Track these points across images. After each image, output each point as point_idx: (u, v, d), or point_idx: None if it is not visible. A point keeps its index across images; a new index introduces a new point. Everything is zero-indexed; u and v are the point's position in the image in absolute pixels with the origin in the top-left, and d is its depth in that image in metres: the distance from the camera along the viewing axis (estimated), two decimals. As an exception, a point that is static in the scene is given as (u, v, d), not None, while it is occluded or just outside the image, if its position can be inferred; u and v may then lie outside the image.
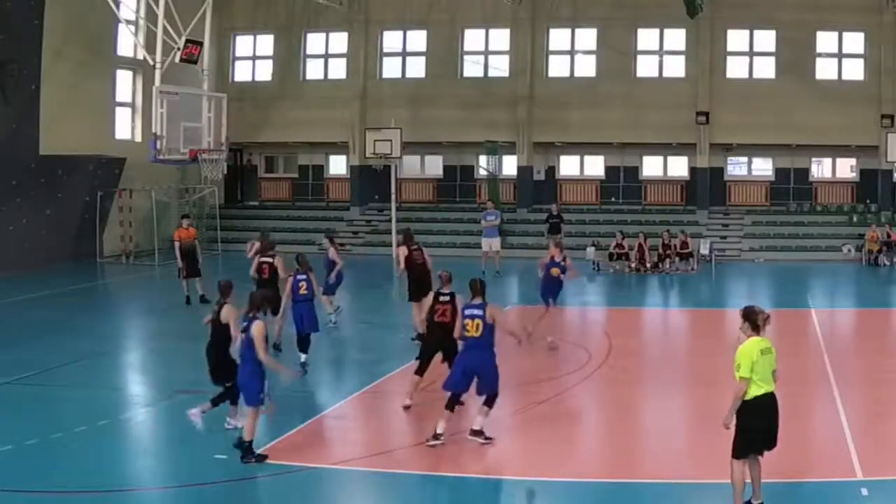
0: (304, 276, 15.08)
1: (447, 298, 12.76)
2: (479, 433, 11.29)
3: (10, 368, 14.95)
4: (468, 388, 11.45)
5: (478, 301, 11.42)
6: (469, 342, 11.37)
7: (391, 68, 35.20)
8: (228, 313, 11.56)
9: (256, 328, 10.67)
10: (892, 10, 30.70)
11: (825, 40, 32.07)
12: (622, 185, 34.71)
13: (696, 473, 10.55)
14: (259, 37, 36.19)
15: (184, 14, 22.82)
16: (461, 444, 11.59)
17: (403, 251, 17.73)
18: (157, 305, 22.54)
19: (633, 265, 28.16)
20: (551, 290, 17.00)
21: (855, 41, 31.94)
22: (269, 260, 16.43)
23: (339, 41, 35.23)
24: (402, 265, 17.70)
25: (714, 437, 11.82)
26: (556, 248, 17.18)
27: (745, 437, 8.93)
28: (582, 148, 34.73)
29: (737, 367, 8.90)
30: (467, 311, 11.40)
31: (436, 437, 11.15)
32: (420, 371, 12.96)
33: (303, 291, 14.95)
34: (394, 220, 31.71)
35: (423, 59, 34.70)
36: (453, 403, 11.38)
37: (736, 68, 32.86)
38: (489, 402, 11.34)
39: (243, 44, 36.39)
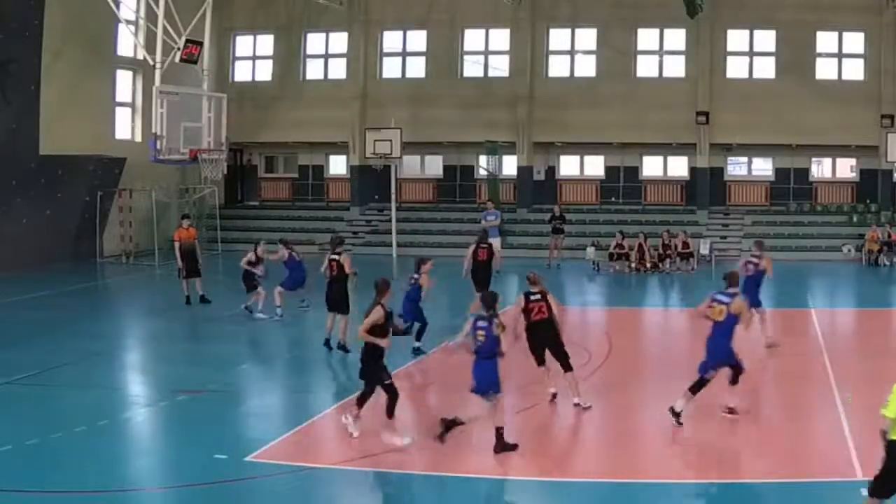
0: (416, 276, 15.80)
1: (538, 297, 13.10)
2: (732, 410, 12.13)
3: (10, 368, 14.95)
4: (715, 369, 12.08)
5: (732, 290, 12.23)
6: (713, 326, 12.10)
7: (391, 68, 35.20)
8: (377, 315, 11.34)
9: (497, 325, 11.05)
10: (892, 10, 30.70)
11: (825, 40, 32.07)
12: (622, 185, 34.71)
13: (696, 474, 10.55)
14: (259, 37, 36.18)
15: (184, 14, 22.81)
16: (461, 443, 11.59)
17: (471, 248, 19.26)
18: (157, 305, 22.54)
19: (633, 265, 28.16)
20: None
21: (855, 41, 31.94)
22: (336, 258, 16.46)
23: (339, 41, 35.23)
24: (468, 260, 19.10)
25: (714, 437, 11.85)
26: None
27: (883, 477, 8.35)
28: (582, 148, 34.73)
29: (889, 401, 8.24)
30: (718, 297, 12.19)
31: (676, 414, 11.85)
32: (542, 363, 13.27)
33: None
34: (394, 220, 31.70)
35: (423, 59, 34.70)
36: (699, 386, 11.99)
37: (736, 68, 32.86)
38: (734, 380, 12.12)
39: (243, 44, 36.38)
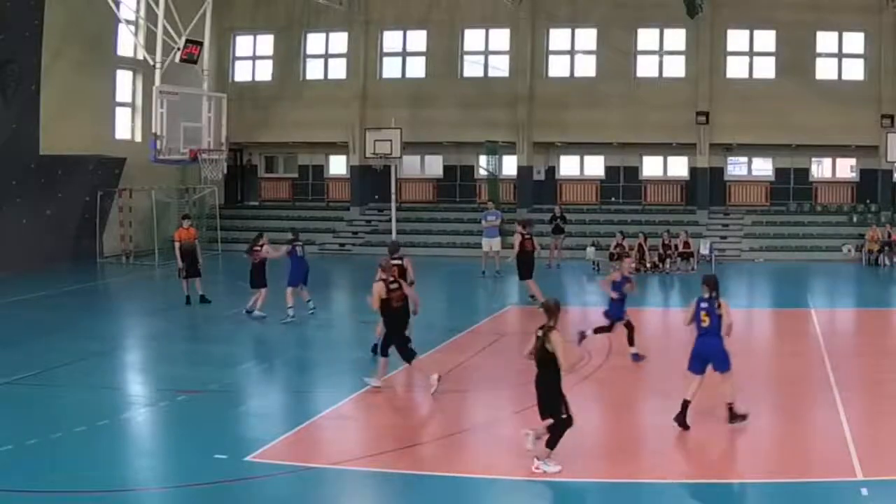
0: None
1: (397, 286, 13.86)
2: None
3: (10, 368, 14.94)
4: None
5: None
6: None
7: (391, 68, 35.22)
8: (556, 340, 10.29)
9: (726, 307, 11.86)
10: (892, 10, 30.71)
11: (825, 40, 32.09)
12: (622, 185, 34.72)
13: (695, 473, 10.55)
14: (259, 37, 36.20)
15: (184, 14, 22.82)
16: (461, 443, 11.60)
17: (518, 238, 21.40)
18: (157, 305, 22.54)
19: (633, 265, 28.09)
20: None
21: (855, 41, 31.96)
22: (400, 262, 16.06)
23: (339, 41, 35.25)
24: (517, 249, 21.35)
25: (713, 437, 11.85)
26: None
27: None
28: (582, 148, 34.74)
29: None
30: None
31: None
32: (385, 353, 13.85)
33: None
34: (394, 220, 31.74)
35: (423, 59, 34.73)
36: None
37: (736, 68, 32.88)
38: None
39: (243, 44, 36.40)
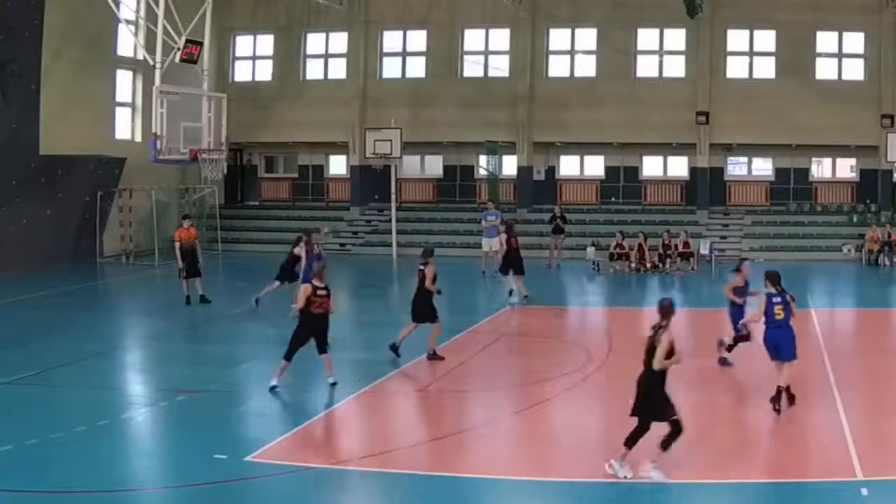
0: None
1: (325, 293, 13.83)
2: None
3: (10, 368, 14.95)
4: None
5: None
6: None
7: (391, 68, 35.21)
8: (663, 339, 10.12)
9: (791, 297, 12.65)
10: (892, 10, 30.71)
11: (825, 40, 32.09)
12: (622, 185, 34.72)
13: (695, 474, 10.55)
14: (259, 37, 36.19)
15: (184, 14, 22.83)
16: (461, 443, 11.60)
17: (504, 238, 22.63)
18: (157, 305, 22.55)
19: (633, 265, 28.13)
20: None
21: (855, 41, 31.96)
22: (422, 268, 16.07)
23: (339, 41, 35.25)
24: (504, 248, 22.45)
25: (713, 437, 11.85)
26: None
27: None
28: (582, 148, 34.73)
29: None
30: None
31: None
32: (288, 356, 13.76)
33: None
34: (394, 220, 31.75)
35: (423, 59, 34.72)
36: None
37: (736, 68, 32.88)
38: None
39: (243, 44, 36.39)
